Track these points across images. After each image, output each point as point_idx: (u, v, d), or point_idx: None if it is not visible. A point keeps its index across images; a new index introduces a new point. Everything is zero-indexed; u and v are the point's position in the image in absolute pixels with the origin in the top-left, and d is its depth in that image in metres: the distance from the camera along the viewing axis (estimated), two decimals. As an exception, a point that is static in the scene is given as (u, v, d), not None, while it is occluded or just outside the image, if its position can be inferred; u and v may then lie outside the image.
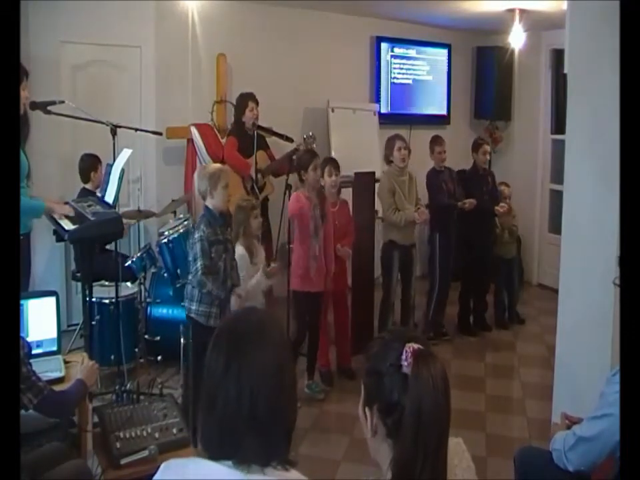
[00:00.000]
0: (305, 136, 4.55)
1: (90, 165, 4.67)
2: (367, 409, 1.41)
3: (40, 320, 2.87)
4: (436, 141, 5.17)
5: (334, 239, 4.30)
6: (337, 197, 4.42)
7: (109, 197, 3.85)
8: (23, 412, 1.98)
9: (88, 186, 4.66)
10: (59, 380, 2.70)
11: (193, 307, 3.45)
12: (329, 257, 4.24)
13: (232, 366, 1.21)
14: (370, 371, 1.40)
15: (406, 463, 1.29)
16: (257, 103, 4.97)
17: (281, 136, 4.94)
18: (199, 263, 3.32)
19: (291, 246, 4.24)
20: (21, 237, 3.55)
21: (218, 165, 3.68)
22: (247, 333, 1.25)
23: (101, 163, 4.61)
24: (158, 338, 4.34)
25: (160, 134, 4.54)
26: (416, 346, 1.32)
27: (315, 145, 4.60)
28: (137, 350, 4.33)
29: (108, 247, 4.50)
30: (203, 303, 3.42)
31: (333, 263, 4.27)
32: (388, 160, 4.80)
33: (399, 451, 1.31)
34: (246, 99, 4.97)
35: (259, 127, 4.84)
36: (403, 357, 1.31)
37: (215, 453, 1.23)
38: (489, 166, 5.61)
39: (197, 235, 3.35)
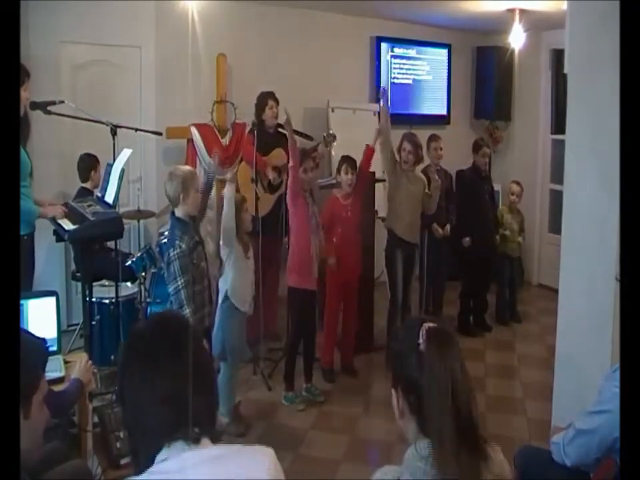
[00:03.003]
0: (324, 134, 4.55)
1: (90, 165, 4.67)
2: (393, 391, 1.48)
3: (40, 320, 2.86)
4: (432, 137, 5.19)
5: (350, 231, 4.42)
6: (351, 192, 4.45)
7: (109, 197, 3.85)
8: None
9: (87, 185, 4.66)
10: (59, 380, 2.71)
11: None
12: (357, 248, 4.49)
13: (147, 384, 1.23)
14: (393, 354, 1.51)
15: (438, 433, 1.35)
16: (276, 102, 4.98)
17: (300, 134, 4.95)
18: (179, 281, 3.27)
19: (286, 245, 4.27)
20: (24, 237, 3.55)
21: (188, 167, 3.64)
22: (159, 350, 1.26)
23: (99, 162, 4.61)
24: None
25: (160, 134, 4.54)
26: (432, 325, 1.42)
27: (334, 144, 4.60)
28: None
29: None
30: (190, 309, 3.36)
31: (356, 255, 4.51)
32: (397, 154, 4.80)
33: (427, 425, 1.38)
34: (266, 97, 4.99)
35: (279, 125, 4.86)
36: (420, 336, 1.40)
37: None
38: (489, 166, 5.61)
39: (172, 253, 3.27)
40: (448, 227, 5.30)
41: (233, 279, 3.67)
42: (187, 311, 3.28)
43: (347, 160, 4.40)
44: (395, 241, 4.74)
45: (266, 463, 1.27)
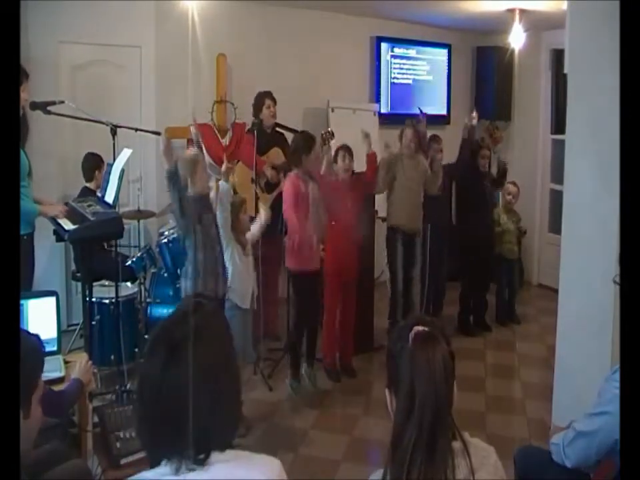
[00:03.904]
0: (322, 132, 4.56)
1: (94, 164, 4.66)
2: (387, 390, 1.49)
3: (40, 320, 2.86)
4: (433, 139, 5.22)
5: (349, 230, 4.39)
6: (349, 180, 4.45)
7: (109, 197, 3.85)
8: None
9: (90, 185, 4.65)
10: (59, 380, 2.70)
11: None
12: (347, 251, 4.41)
13: (167, 371, 1.20)
14: (387, 354, 1.50)
15: (398, 436, 1.35)
16: (274, 101, 4.98)
17: (295, 132, 4.95)
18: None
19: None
20: (24, 237, 3.55)
21: (193, 151, 3.71)
22: (183, 339, 1.22)
23: (104, 162, 4.60)
24: (158, 338, 4.33)
25: (160, 134, 4.53)
26: (421, 328, 1.41)
27: (333, 141, 4.60)
28: (136, 350, 4.33)
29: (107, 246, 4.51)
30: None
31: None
32: (399, 140, 4.81)
33: (393, 424, 1.38)
34: (263, 97, 4.99)
35: (277, 125, 4.85)
36: (409, 338, 1.39)
37: (150, 455, 1.25)
38: (489, 167, 5.62)
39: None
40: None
41: (232, 277, 3.69)
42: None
43: (344, 147, 4.41)
44: (395, 231, 4.76)
45: (267, 474, 1.27)
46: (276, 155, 4.93)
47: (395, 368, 1.44)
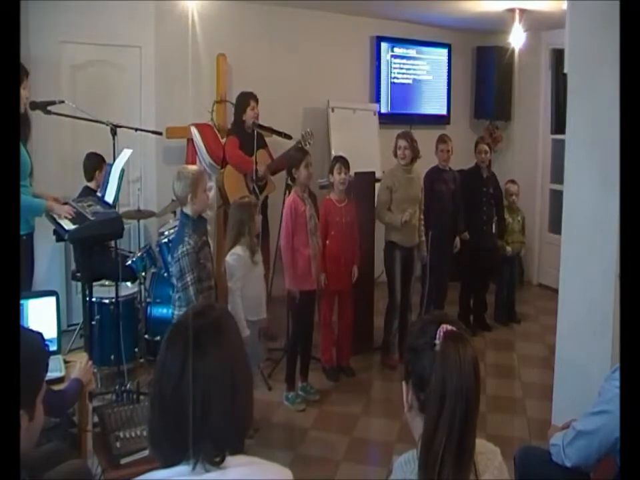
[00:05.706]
0: (302, 132, 4.56)
1: (95, 164, 4.66)
2: (404, 383, 1.47)
3: (40, 320, 2.86)
4: (440, 139, 5.22)
5: (344, 235, 4.38)
6: (345, 195, 4.42)
7: (109, 197, 3.85)
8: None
9: (91, 185, 4.65)
10: (59, 380, 2.71)
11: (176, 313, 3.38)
12: (351, 252, 4.43)
13: (186, 366, 1.20)
14: (408, 348, 1.48)
15: (429, 437, 1.33)
16: (257, 102, 4.98)
17: (279, 133, 4.95)
18: (188, 278, 3.22)
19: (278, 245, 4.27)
20: (24, 237, 3.55)
21: (196, 167, 3.62)
22: (202, 332, 1.23)
23: (105, 162, 4.60)
24: (158, 338, 4.34)
25: (160, 134, 4.54)
26: (449, 327, 1.39)
27: (312, 142, 4.59)
28: (136, 350, 4.34)
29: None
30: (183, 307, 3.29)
31: (356, 257, 4.50)
32: (394, 156, 4.78)
33: (425, 425, 1.36)
34: (247, 98, 4.99)
35: (259, 126, 4.85)
36: (437, 336, 1.37)
37: (164, 455, 1.24)
38: (489, 166, 5.61)
39: (181, 249, 3.21)
40: (465, 234, 5.33)
41: (242, 289, 3.62)
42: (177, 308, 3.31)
43: (340, 160, 4.36)
44: (393, 246, 4.74)
45: None
46: (262, 157, 4.93)
47: (416, 362, 1.41)
